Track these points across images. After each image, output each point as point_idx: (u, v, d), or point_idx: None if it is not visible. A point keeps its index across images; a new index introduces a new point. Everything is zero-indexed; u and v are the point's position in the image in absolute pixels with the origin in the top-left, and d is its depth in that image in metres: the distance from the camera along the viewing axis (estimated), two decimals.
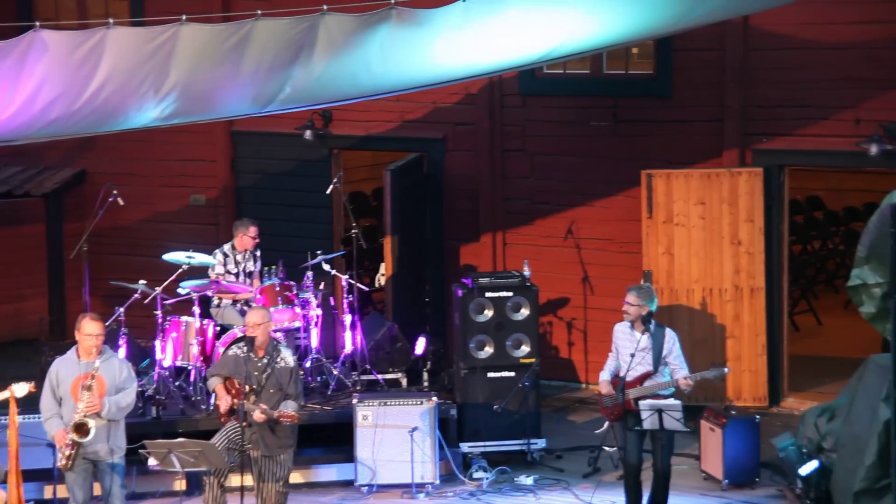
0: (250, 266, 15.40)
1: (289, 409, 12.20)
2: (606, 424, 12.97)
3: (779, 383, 15.93)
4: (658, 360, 12.64)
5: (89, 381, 11.62)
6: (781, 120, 15.71)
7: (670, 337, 12.75)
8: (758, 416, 13.95)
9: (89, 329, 11.81)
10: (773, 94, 15.71)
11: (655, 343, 12.65)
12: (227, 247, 15.40)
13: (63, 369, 11.88)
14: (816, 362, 17.12)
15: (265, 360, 12.35)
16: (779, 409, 15.87)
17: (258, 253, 15.50)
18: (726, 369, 12.89)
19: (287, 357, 12.43)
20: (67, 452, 11.68)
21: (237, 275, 15.29)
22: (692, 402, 15.12)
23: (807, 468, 13.07)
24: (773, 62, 15.68)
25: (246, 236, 15.31)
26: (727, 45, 15.78)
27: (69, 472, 11.82)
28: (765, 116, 15.78)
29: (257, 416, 12.12)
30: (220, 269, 15.22)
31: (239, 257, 15.36)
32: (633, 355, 12.65)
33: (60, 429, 11.76)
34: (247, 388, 12.25)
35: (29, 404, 13.00)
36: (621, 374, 12.75)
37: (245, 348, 12.40)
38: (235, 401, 12.29)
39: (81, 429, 11.60)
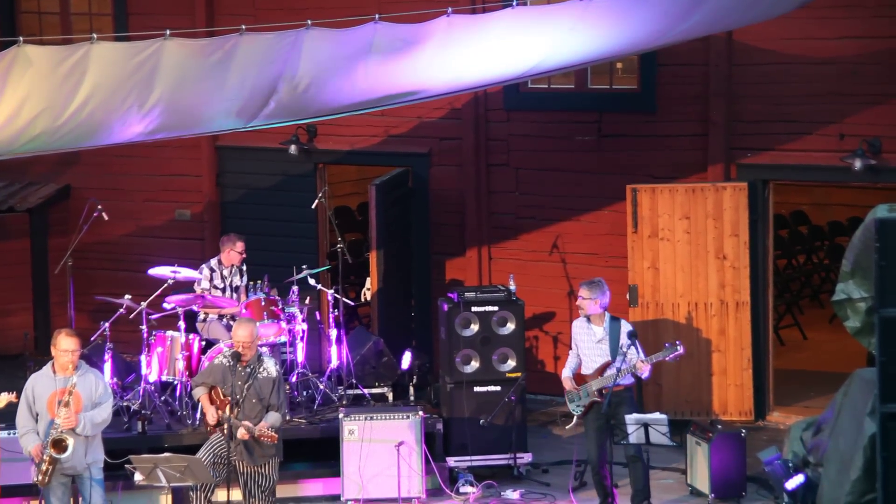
0: (236, 281, 15.36)
1: (271, 420, 12.17)
2: (575, 420, 13.18)
3: (764, 397, 15.92)
4: (615, 349, 12.99)
5: (66, 397, 11.58)
6: (766, 135, 15.72)
7: (626, 327, 13.12)
8: (744, 431, 13.93)
9: (65, 345, 11.78)
10: (757, 109, 15.72)
11: (612, 334, 13.01)
12: (213, 262, 15.37)
13: (39, 385, 11.86)
14: (802, 376, 17.12)
15: (248, 371, 12.31)
16: (764, 423, 15.85)
17: (244, 268, 15.46)
18: (680, 348, 12.99)
19: (270, 367, 12.40)
20: (44, 468, 11.64)
21: (223, 290, 15.25)
22: (678, 416, 15.12)
23: (793, 482, 13.07)
24: (757, 77, 15.69)
25: (233, 251, 15.28)
26: (711, 60, 15.79)
27: (47, 488, 11.78)
28: (749, 131, 15.79)
29: (241, 434, 12.10)
30: (206, 284, 15.18)
31: (225, 272, 15.32)
32: (614, 367, 12.91)
33: (37, 444, 11.71)
34: (230, 399, 12.20)
35: (12, 419, 12.94)
36: (583, 370, 13.23)
37: (231, 359, 12.37)
38: (220, 412, 12.26)
39: (59, 445, 11.57)
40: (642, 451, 12.95)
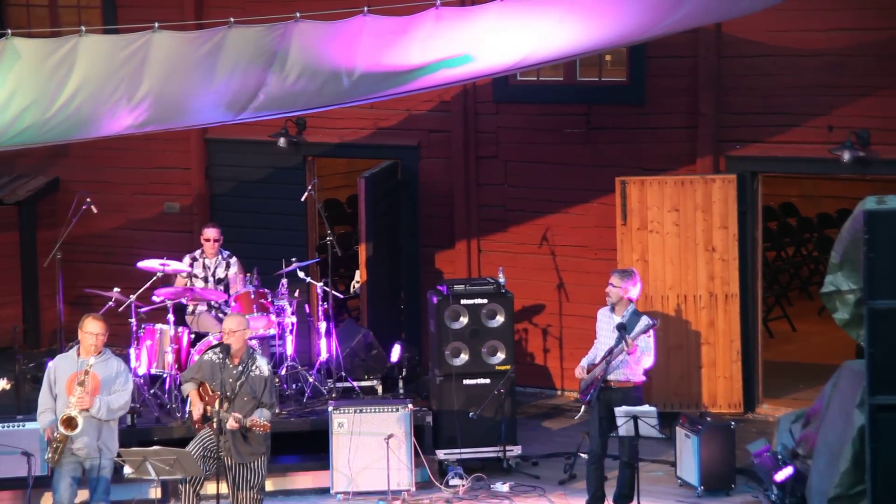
0: (220, 272, 15.31)
1: (262, 417, 12.16)
2: (583, 409, 13.13)
3: (753, 390, 15.93)
4: (620, 340, 12.83)
5: (82, 377, 11.69)
6: (755, 127, 15.73)
7: (644, 322, 12.95)
8: (733, 423, 13.94)
9: (91, 328, 11.97)
10: (746, 101, 15.73)
11: (628, 325, 12.88)
12: (197, 252, 15.37)
13: (61, 366, 12.06)
14: (791, 368, 17.14)
15: (240, 368, 12.29)
16: (754, 415, 15.87)
17: (233, 260, 15.42)
18: (655, 321, 12.94)
19: (262, 366, 12.38)
20: (55, 445, 11.75)
21: (205, 279, 15.22)
22: (667, 408, 15.14)
23: (782, 474, 13.08)
24: (745, 69, 15.69)
25: (203, 238, 15.29)
26: (700, 52, 15.79)
27: (57, 473, 11.90)
28: (738, 123, 15.79)
29: (231, 424, 12.06)
30: (185, 270, 15.10)
31: (208, 262, 15.29)
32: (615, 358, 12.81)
33: (51, 423, 11.87)
34: (219, 395, 12.19)
35: (5, 412, 12.95)
36: (596, 359, 13.05)
37: (221, 355, 12.35)
38: (209, 407, 12.24)
39: (70, 423, 11.67)
40: (636, 458, 12.82)
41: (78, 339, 12.09)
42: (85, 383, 11.74)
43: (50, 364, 12.15)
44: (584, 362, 13.17)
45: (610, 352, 12.86)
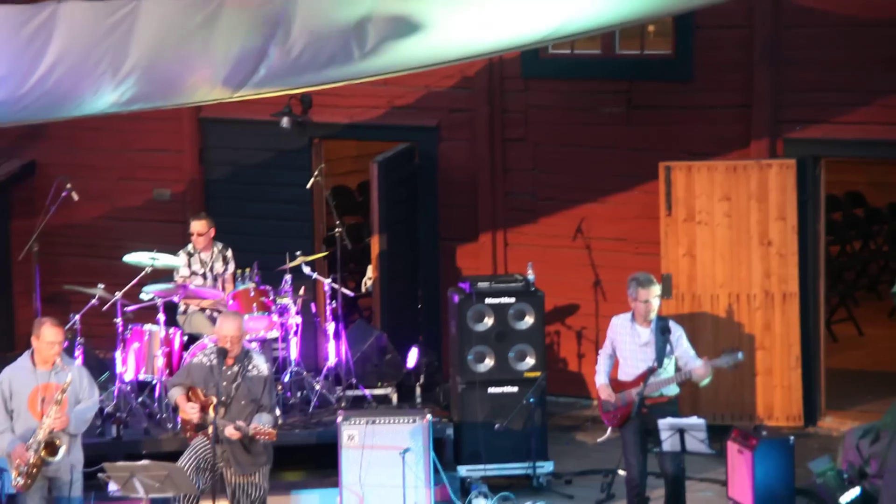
0: (218, 267, 15.38)
1: (263, 421, 12.21)
2: (609, 431, 13.16)
3: (815, 400, 15.94)
4: (662, 354, 12.88)
5: (59, 396, 11.65)
6: (817, 105, 15.72)
7: (676, 329, 13.02)
8: (792, 438, 13.92)
9: (50, 336, 11.86)
10: (807, 77, 15.72)
11: (658, 336, 12.88)
12: (190, 246, 15.42)
13: (17, 379, 11.93)
14: (857, 377, 17.15)
15: (235, 369, 12.33)
16: (815, 429, 15.88)
17: (229, 253, 15.49)
18: (740, 354, 13.03)
19: (260, 364, 12.43)
20: (27, 471, 11.70)
21: (203, 276, 15.29)
22: (717, 421, 15.15)
23: (848, 496, 13.09)
24: (807, 40, 15.69)
25: (192, 231, 15.33)
26: (755, 20, 15.80)
27: (24, 493, 11.87)
28: (798, 102, 15.79)
29: (230, 432, 12.10)
30: (185, 272, 15.22)
31: (204, 257, 15.36)
32: (660, 374, 12.79)
33: (18, 445, 11.78)
34: (214, 399, 12.23)
35: None
36: (620, 375, 13.10)
37: (213, 357, 12.39)
38: (202, 414, 12.29)
39: (51, 447, 11.65)
40: (683, 473, 12.86)
41: (31, 347, 11.95)
42: (60, 402, 11.69)
43: (2, 376, 11.98)
44: (604, 378, 13.21)
45: (650, 371, 12.89)
